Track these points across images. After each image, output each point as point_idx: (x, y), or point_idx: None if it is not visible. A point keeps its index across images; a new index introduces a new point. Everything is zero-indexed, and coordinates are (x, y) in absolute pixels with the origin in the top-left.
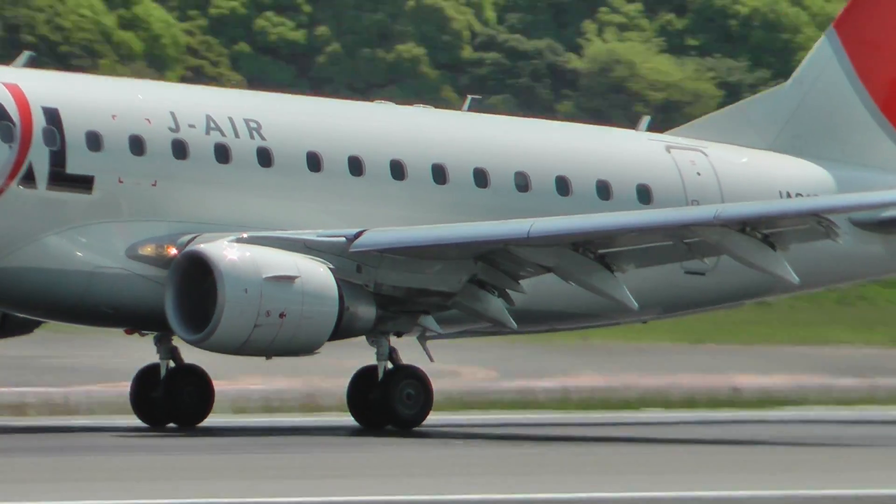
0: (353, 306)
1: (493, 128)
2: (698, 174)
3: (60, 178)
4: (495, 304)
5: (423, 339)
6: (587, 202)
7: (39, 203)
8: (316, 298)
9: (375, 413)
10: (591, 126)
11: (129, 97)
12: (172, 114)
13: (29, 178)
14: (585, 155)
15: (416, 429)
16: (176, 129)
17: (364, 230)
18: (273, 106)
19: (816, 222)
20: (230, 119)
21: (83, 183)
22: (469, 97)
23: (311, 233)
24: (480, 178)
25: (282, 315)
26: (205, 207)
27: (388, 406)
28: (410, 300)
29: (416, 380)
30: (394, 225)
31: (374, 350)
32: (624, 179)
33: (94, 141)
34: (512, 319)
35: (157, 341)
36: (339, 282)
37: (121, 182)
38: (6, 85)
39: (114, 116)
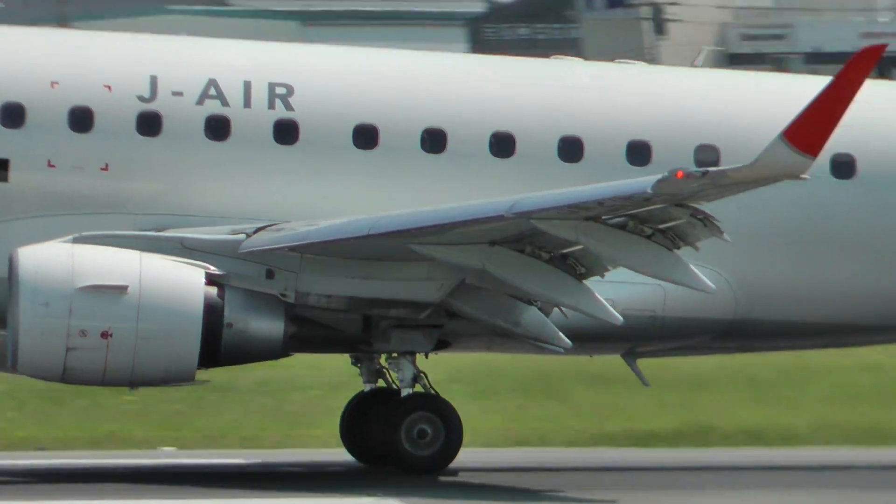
0: (240, 322)
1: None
2: None
3: None
4: (529, 317)
5: (630, 356)
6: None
7: None
8: (159, 314)
9: (379, 448)
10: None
11: (92, 58)
12: (153, 78)
13: None
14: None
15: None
16: (149, 98)
17: (271, 224)
18: (319, 62)
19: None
20: (245, 83)
21: None
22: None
23: (202, 230)
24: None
25: (105, 335)
26: (188, 196)
27: (391, 442)
28: (362, 312)
29: (435, 413)
30: None
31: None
32: None
33: (11, 115)
34: (562, 336)
35: (356, 361)
36: (228, 291)
37: (52, 166)
38: None
39: (54, 83)
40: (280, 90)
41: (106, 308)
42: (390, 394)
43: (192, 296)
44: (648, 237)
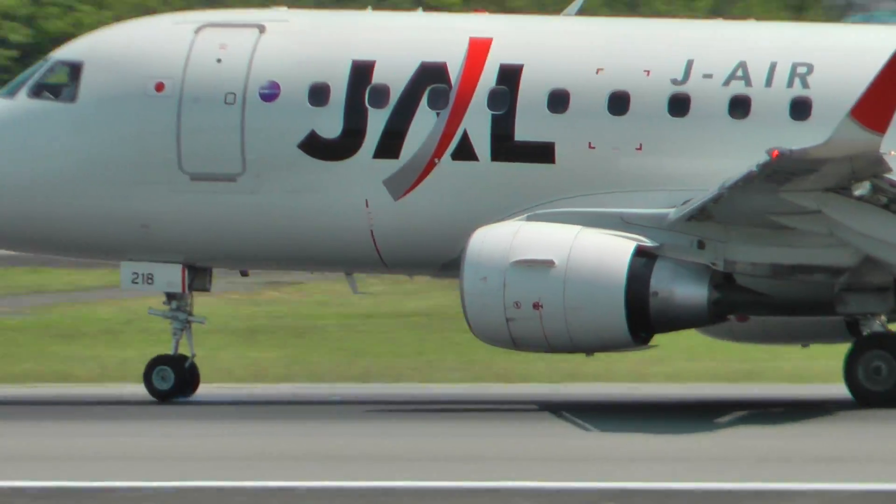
0: (665, 290)
1: None
2: None
3: (507, 148)
4: None
5: None
6: None
7: (482, 179)
8: (583, 285)
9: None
10: None
11: (636, 45)
12: (689, 62)
13: (464, 151)
14: None
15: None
16: (682, 81)
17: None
18: (837, 40)
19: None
20: (771, 64)
21: (540, 152)
22: None
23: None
24: None
25: (536, 306)
26: (712, 172)
27: (852, 378)
28: (786, 279)
29: (891, 353)
30: None
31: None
32: None
33: (557, 101)
34: None
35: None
36: (658, 262)
37: (591, 148)
38: (474, 41)
39: (599, 70)
40: (801, 69)
41: (535, 281)
42: (879, 338)
43: (615, 268)
44: (885, 206)
